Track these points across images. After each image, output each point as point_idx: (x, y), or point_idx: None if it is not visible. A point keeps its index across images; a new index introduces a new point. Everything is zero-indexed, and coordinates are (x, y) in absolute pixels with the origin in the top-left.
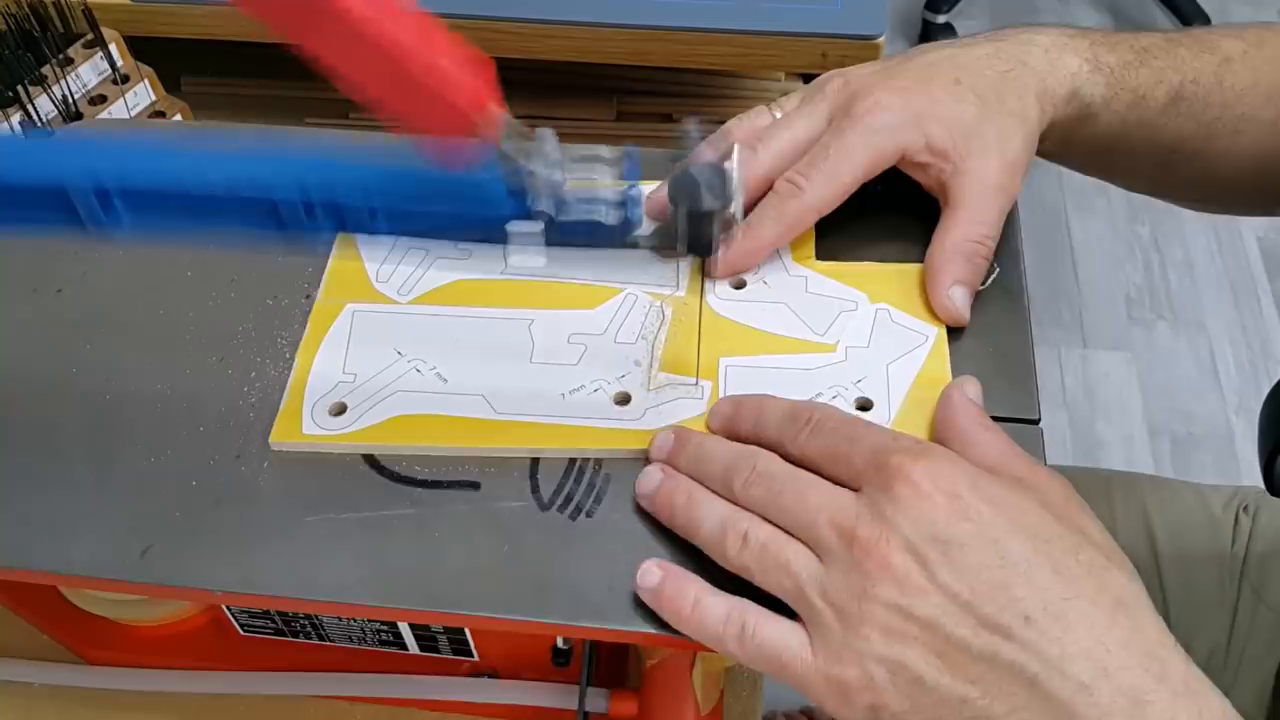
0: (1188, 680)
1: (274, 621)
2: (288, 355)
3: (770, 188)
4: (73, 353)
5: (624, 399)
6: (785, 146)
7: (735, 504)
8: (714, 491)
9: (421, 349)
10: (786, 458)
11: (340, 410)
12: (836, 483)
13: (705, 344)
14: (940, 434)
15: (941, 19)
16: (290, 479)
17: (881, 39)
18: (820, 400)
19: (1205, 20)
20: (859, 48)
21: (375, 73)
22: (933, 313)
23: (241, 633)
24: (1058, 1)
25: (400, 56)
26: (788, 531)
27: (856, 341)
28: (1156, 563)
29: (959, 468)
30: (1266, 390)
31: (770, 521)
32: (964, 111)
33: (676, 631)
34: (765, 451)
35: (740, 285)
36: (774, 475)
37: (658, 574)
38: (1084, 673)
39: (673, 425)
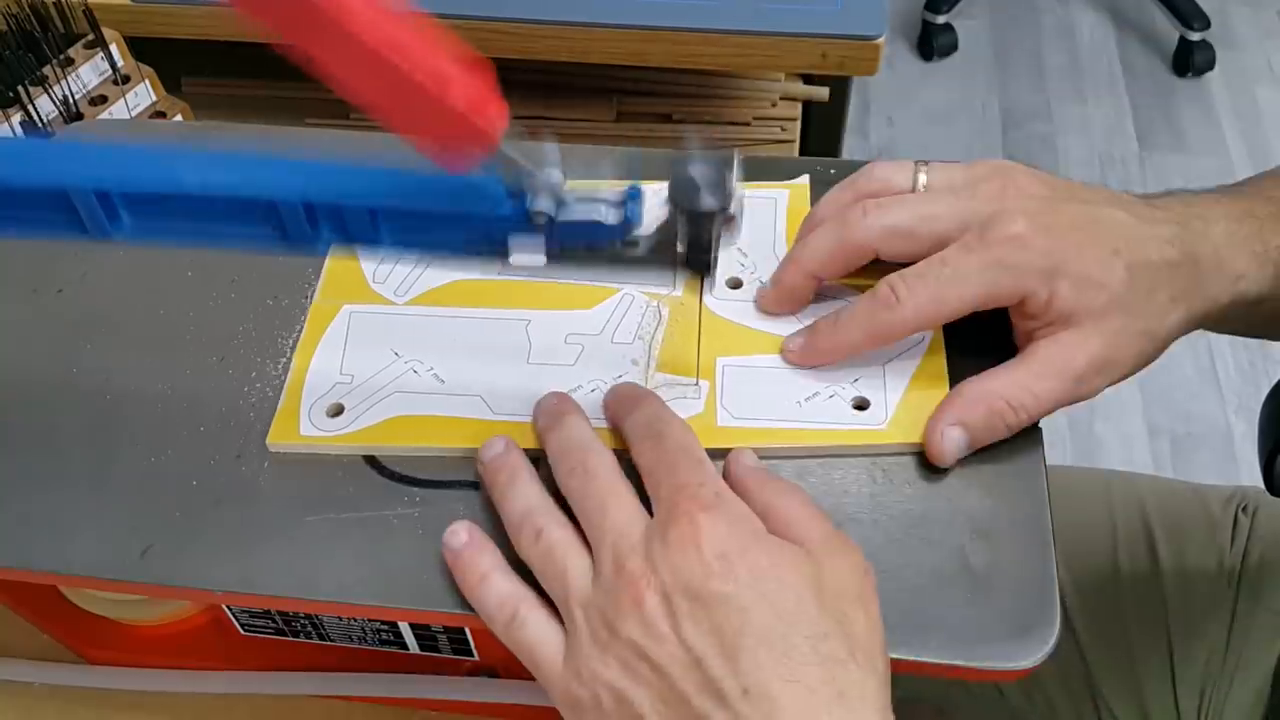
0: None
1: (274, 621)
2: (288, 355)
3: (867, 256)
4: (73, 353)
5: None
6: (904, 227)
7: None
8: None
9: (418, 350)
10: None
11: (338, 411)
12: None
13: (704, 344)
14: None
15: (941, 19)
16: (290, 479)
17: (881, 39)
18: (817, 399)
19: (1204, 21)
20: (859, 48)
21: (376, 80)
22: None
23: (242, 632)
24: (1057, 1)
25: (401, 63)
26: (583, 535)
27: None
28: (1155, 562)
29: (741, 529)
30: (1266, 390)
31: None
32: (1105, 286)
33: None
34: (607, 451)
35: (737, 285)
36: (594, 476)
37: (463, 537)
38: None
39: (559, 391)
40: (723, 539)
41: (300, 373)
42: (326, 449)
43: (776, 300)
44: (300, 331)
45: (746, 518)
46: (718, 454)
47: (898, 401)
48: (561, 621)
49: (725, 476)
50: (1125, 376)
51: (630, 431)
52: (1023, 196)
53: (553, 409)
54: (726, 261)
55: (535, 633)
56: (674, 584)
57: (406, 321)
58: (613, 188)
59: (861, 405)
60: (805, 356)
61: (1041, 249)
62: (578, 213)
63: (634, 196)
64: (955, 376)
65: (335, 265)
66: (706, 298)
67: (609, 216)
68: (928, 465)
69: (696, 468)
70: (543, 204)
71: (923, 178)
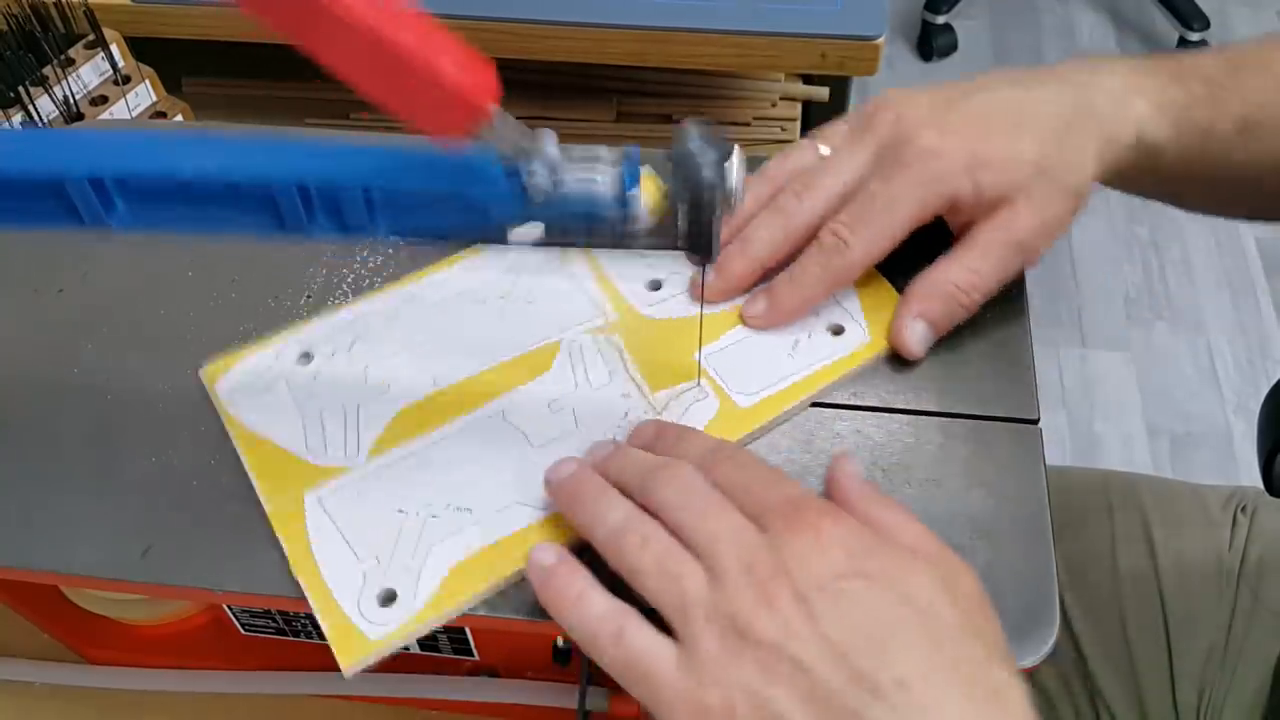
0: None
1: (275, 621)
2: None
3: (810, 234)
4: (74, 353)
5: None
6: (833, 193)
7: (644, 508)
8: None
9: (420, 493)
10: None
11: (390, 597)
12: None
13: (672, 347)
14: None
15: (941, 19)
16: None
17: (881, 39)
18: (800, 345)
19: (1204, 21)
20: (858, 48)
21: (367, 56)
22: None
23: (242, 632)
24: (1057, 2)
25: (401, 56)
26: (686, 546)
27: None
28: (1154, 562)
29: (864, 536)
30: (1265, 390)
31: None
32: (1020, 161)
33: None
34: (692, 466)
35: (657, 286)
36: (691, 485)
37: (552, 557)
38: None
39: (614, 440)
40: (848, 541)
41: (320, 588)
42: (411, 638)
43: (727, 292)
44: (301, 332)
45: (861, 527)
46: (752, 438)
47: (862, 315)
48: (665, 632)
49: (828, 486)
50: (1061, 232)
51: (699, 462)
52: (916, 113)
53: (593, 453)
54: (634, 267)
55: (646, 644)
56: (808, 581)
57: (386, 474)
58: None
59: (838, 330)
60: (772, 318)
61: (953, 151)
62: (574, 185)
63: (631, 164)
64: (953, 377)
65: (255, 457)
66: (643, 310)
67: (605, 185)
68: (928, 464)
69: (792, 483)
70: (538, 176)
71: (823, 148)
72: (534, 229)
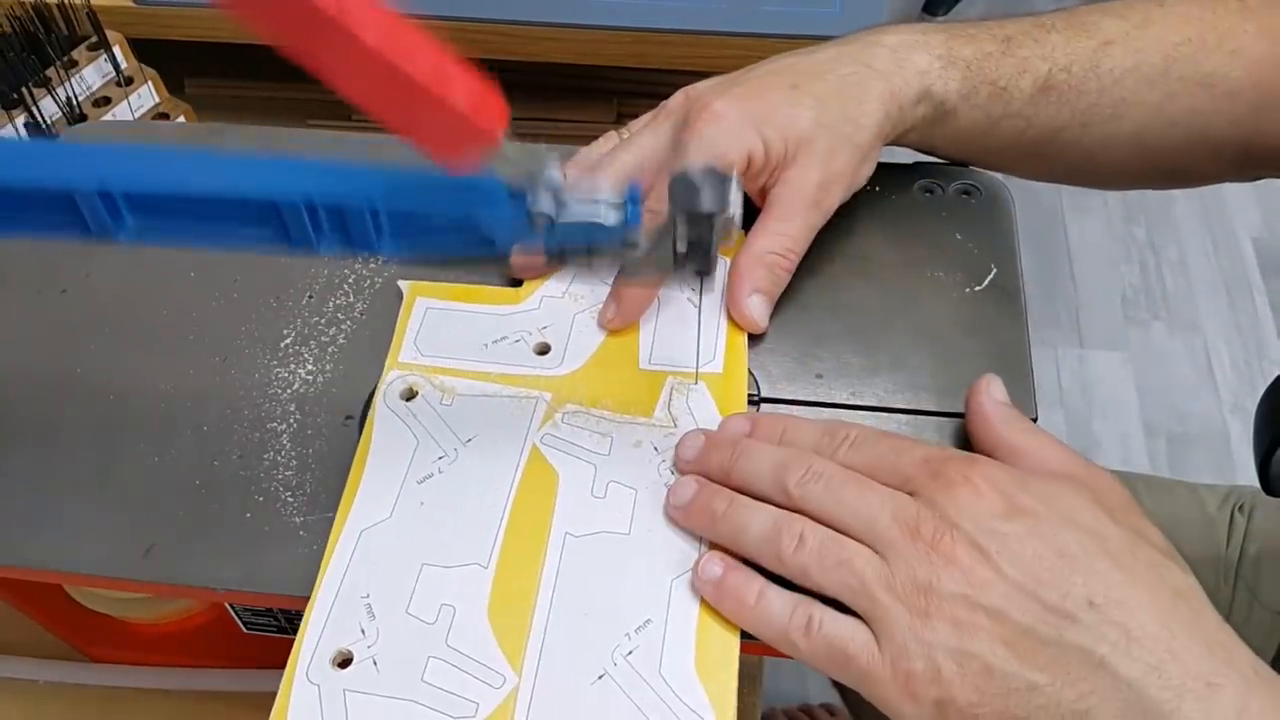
0: (1256, 668)
1: (276, 619)
2: (290, 355)
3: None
4: (76, 353)
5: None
6: (628, 166)
7: (783, 507)
8: (755, 498)
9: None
10: None
11: (411, 395)
12: None
13: (612, 375)
14: (983, 446)
15: (939, 21)
16: (293, 478)
17: None
18: (690, 295)
19: None
20: None
21: (377, 82)
22: None
23: (244, 630)
24: (1055, 3)
25: (401, 64)
26: (842, 532)
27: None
28: None
29: (1011, 472)
30: (1261, 389)
31: (821, 523)
32: (799, 116)
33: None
34: (816, 455)
35: (544, 350)
36: (831, 475)
37: (719, 567)
38: (1151, 655)
39: (701, 429)
40: (1004, 482)
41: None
42: None
43: (625, 317)
44: (303, 330)
45: (1004, 466)
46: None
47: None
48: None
49: (970, 409)
50: (853, 186)
51: (816, 450)
52: (703, 89)
53: (711, 444)
54: (513, 349)
55: (839, 629)
56: (977, 529)
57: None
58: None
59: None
60: (623, 319)
61: (736, 113)
62: (578, 214)
63: (633, 198)
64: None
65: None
66: (554, 371)
67: (609, 217)
68: None
69: (915, 442)
70: (543, 205)
71: (624, 134)
72: (535, 246)
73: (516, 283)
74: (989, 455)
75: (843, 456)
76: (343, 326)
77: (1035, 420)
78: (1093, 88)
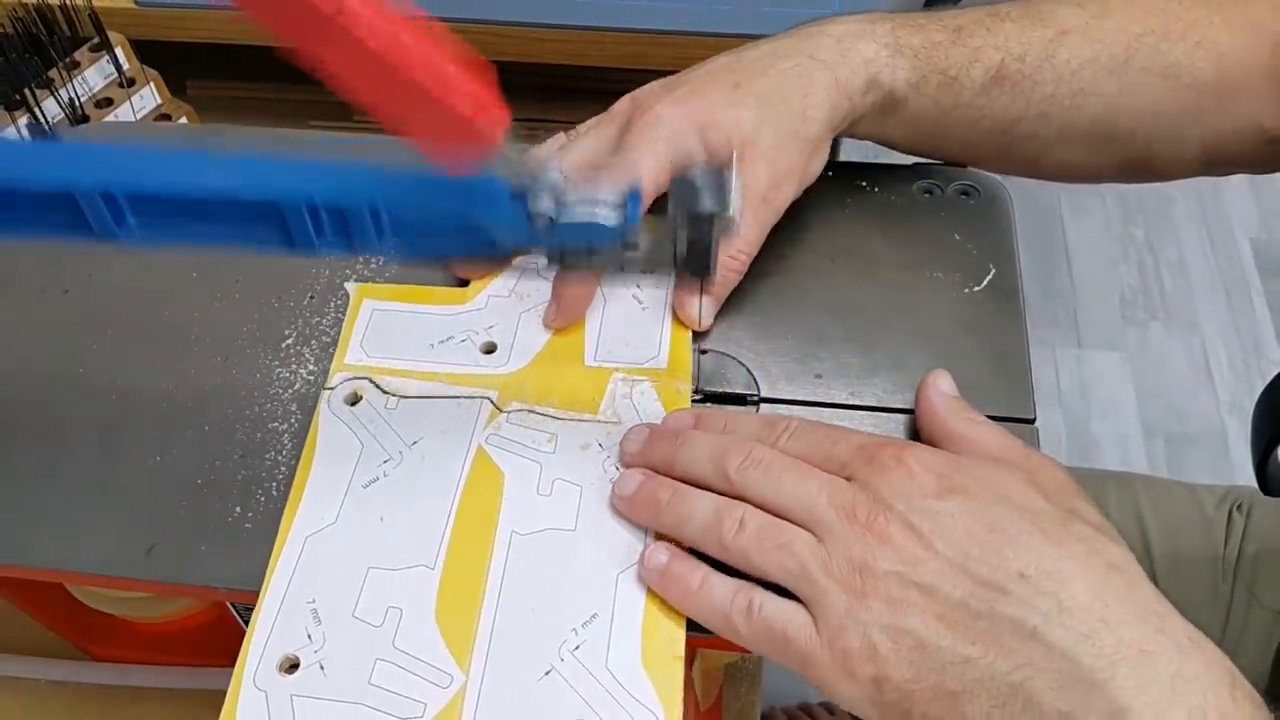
0: (1189, 634)
1: None
2: (292, 355)
3: None
4: (79, 353)
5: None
6: (568, 166)
7: (725, 493)
8: (699, 487)
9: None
10: None
11: (355, 400)
12: None
13: (557, 371)
14: (929, 436)
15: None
16: (295, 477)
17: None
18: (637, 292)
19: None
20: None
21: (379, 83)
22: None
23: (245, 629)
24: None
25: (403, 66)
26: (781, 517)
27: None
28: (1150, 562)
29: (944, 455)
30: (1259, 389)
31: (762, 509)
32: (742, 116)
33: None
34: (757, 442)
35: (489, 349)
36: (770, 461)
37: (665, 555)
38: (1083, 624)
39: (646, 423)
40: (932, 464)
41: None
42: None
43: (567, 316)
44: (304, 330)
45: (938, 450)
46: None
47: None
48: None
49: (919, 400)
50: (804, 181)
51: (757, 439)
52: (647, 93)
53: (656, 434)
54: (459, 349)
55: (778, 611)
56: (909, 509)
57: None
58: (613, 190)
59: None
60: (564, 317)
61: (678, 116)
62: (578, 214)
63: (634, 198)
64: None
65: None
66: (499, 370)
67: (609, 218)
68: None
69: (854, 431)
70: (544, 205)
71: (573, 135)
72: (538, 254)
73: (464, 283)
74: (938, 444)
75: (783, 445)
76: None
77: (1034, 420)
78: (1048, 78)
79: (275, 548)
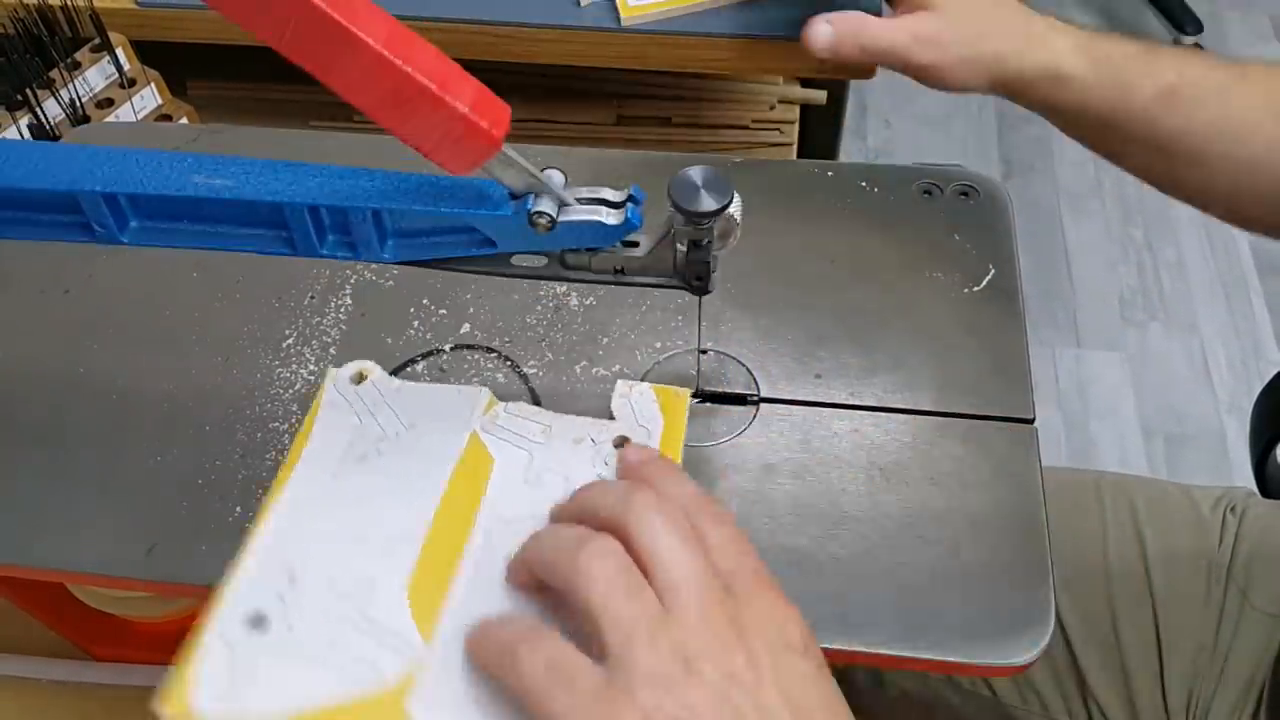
0: None
1: None
2: (292, 356)
3: None
4: (80, 353)
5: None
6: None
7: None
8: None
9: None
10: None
11: (361, 378)
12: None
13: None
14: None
15: None
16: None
17: None
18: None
19: (1197, 25)
20: None
21: (380, 85)
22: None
23: None
24: (1052, 4)
25: (404, 68)
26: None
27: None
28: (1145, 562)
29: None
30: (1258, 390)
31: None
32: None
33: None
34: (674, 501)
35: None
36: (675, 518)
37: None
38: None
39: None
40: (805, 625)
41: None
42: None
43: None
44: (304, 330)
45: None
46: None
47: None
48: None
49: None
50: (948, 74)
51: (682, 505)
52: None
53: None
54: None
55: (566, 652)
56: (764, 644)
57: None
58: (612, 191)
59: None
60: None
61: None
62: (579, 215)
63: (634, 199)
64: (948, 373)
65: None
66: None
67: (609, 219)
68: (925, 463)
69: (761, 563)
70: (544, 207)
71: None
72: (537, 259)
73: None
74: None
75: (702, 524)
76: (344, 327)
77: (1033, 420)
78: (1215, 104)
79: (261, 508)
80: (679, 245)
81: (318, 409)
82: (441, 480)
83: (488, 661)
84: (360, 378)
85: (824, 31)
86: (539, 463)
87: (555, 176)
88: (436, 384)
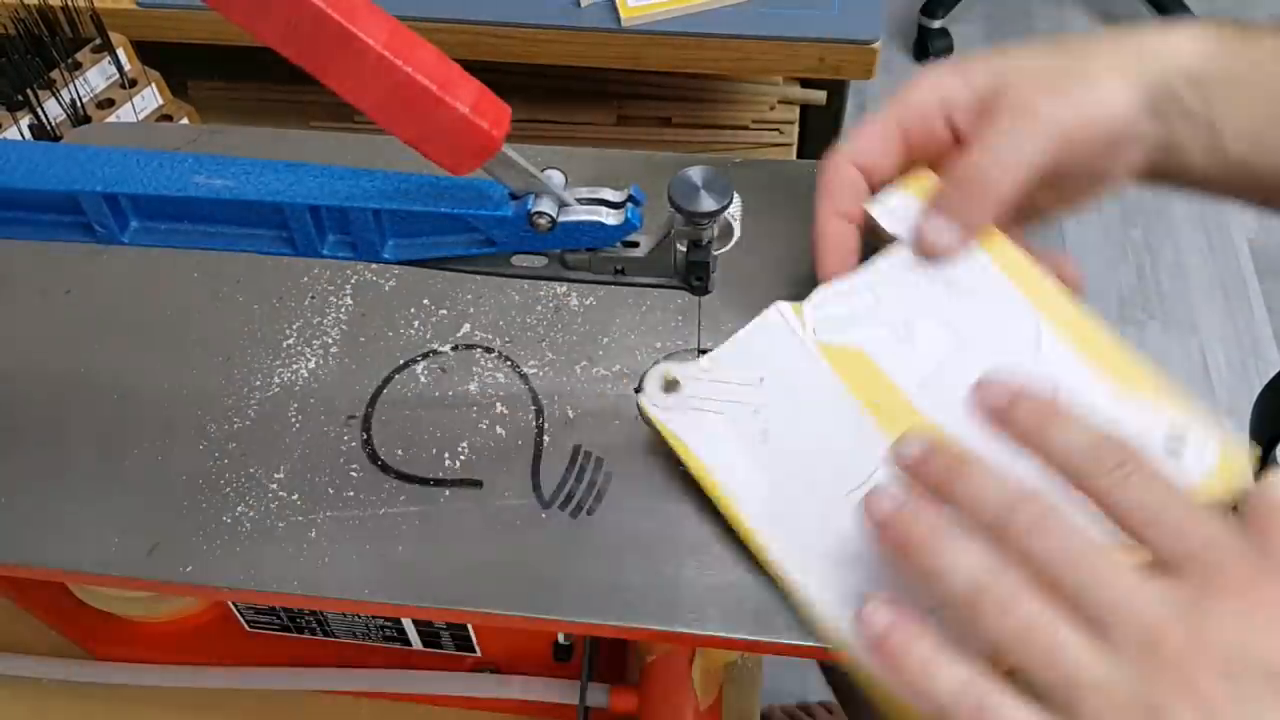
0: None
1: (280, 617)
2: (293, 355)
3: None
4: (81, 353)
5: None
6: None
7: (998, 548)
8: (968, 526)
9: (774, 397)
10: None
11: (674, 386)
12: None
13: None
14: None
15: (937, 24)
16: (296, 477)
17: (877, 43)
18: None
19: None
20: (855, 52)
21: (381, 86)
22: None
23: (248, 628)
24: (1052, 6)
25: (405, 69)
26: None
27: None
28: None
29: None
30: (1257, 391)
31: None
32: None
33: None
34: (1057, 501)
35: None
36: (1069, 536)
37: (886, 618)
38: None
39: (925, 434)
40: None
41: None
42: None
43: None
44: (304, 330)
45: None
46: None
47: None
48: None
49: (1254, 504)
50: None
51: (1081, 462)
52: (1018, 77)
53: (932, 452)
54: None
55: None
56: (1242, 659)
57: (797, 361)
58: (613, 192)
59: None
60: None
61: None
62: (579, 215)
63: (635, 200)
64: None
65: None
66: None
67: (609, 219)
68: None
69: (1205, 515)
70: (545, 207)
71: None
72: (537, 259)
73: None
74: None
75: (1110, 484)
76: (344, 327)
77: None
78: None
79: (755, 545)
80: (679, 245)
81: (672, 435)
82: (847, 397)
83: (921, 708)
84: (671, 383)
85: (939, 228)
86: (893, 316)
87: (555, 176)
88: (735, 335)
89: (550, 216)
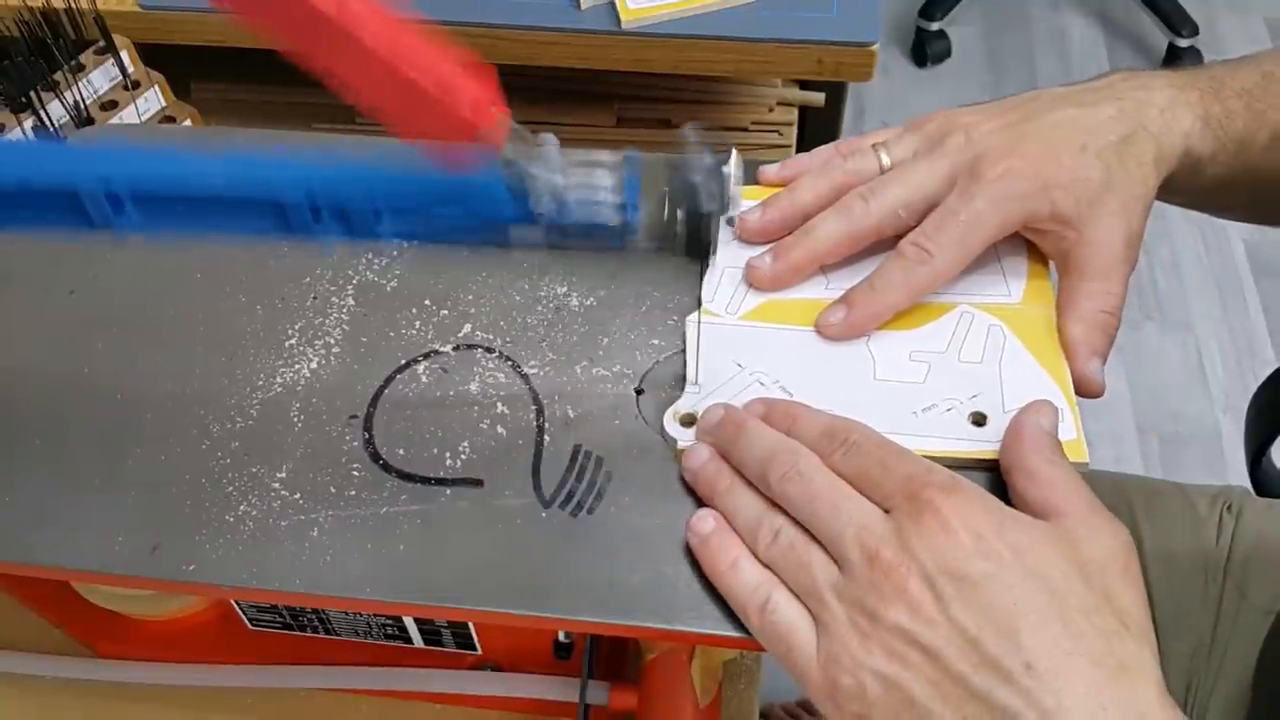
0: None
1: (282, 616)
2: (295, 355)
3: (873, 237)
4: (84, 353)
5: (980, 420)
6: (901, 202)
7: (766, 496)
8: (746, 479)
9: (761, 363)
10: None
11: (690, 421)
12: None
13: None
14: (1006, 460)
15: (935, 26)
16: (298, 476)
17: (875, 46)
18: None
19: (1192, 27)
20: (854, 54)
21: (382, 85)
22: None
23: (250, 627)
24: (1049, 8)
25: (406, 68)
26: (813, 536)
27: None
28: (1142, 560)
29: (988, 508)
30: (1253, 389)
31: (796, 522)
32: (1090, 178)
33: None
34: (807, 451)
35: None
36: (810, 477)
37: (710, 524)
38: None
39: (724, 403)
40: (976, 519)
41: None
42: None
43: (779, 277)
44: (305, 331)
45: (988, 497)
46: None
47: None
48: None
49: (1010, 426)
50: (1140, 243)
51: (813, 448)
52: (984, 135)
53: (729, 420)
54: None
55: (790, 616)
56: (935, 567)
57: (745, 334)
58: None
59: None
60: (848, 329)
61: (1029, 174)
62: (578, 213)
63: (632, 195)
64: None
65: None
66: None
67: (609, 218)
68: None
69: (905, 457)
70: (544, 204)
71: (885, 158)
72: (535, 233)
73: None
74: (1009, 473)
75: (836, 460)
76: (346, 327)
77: None
78: None
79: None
80: (678, 211)
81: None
82: (797, 331)
83: (731, 604)
84: (689, 421)
85: (1098, 369)
86: (928, 359)
87: (555, 176)
88: (686, 354)
89: (551, 216)
